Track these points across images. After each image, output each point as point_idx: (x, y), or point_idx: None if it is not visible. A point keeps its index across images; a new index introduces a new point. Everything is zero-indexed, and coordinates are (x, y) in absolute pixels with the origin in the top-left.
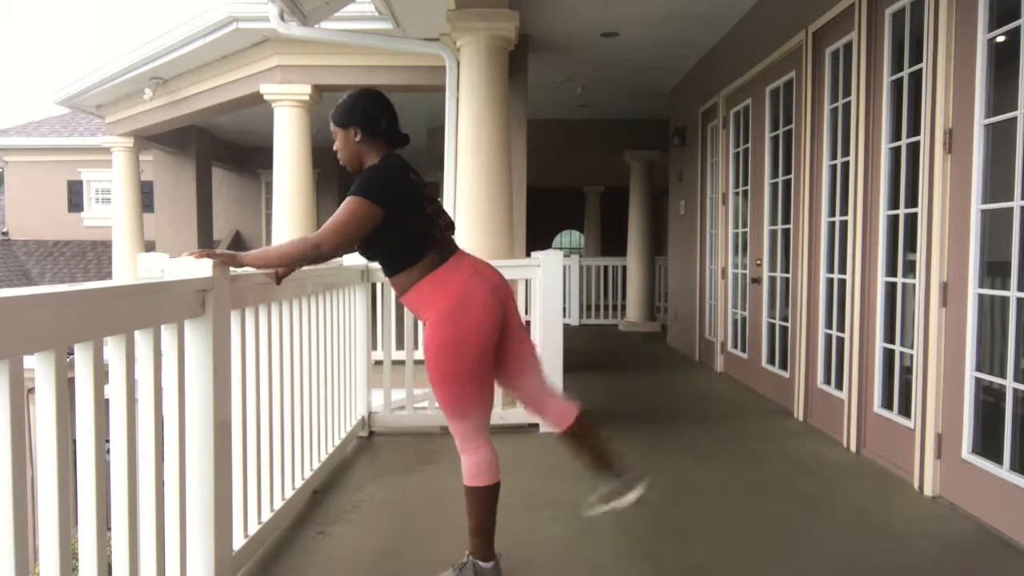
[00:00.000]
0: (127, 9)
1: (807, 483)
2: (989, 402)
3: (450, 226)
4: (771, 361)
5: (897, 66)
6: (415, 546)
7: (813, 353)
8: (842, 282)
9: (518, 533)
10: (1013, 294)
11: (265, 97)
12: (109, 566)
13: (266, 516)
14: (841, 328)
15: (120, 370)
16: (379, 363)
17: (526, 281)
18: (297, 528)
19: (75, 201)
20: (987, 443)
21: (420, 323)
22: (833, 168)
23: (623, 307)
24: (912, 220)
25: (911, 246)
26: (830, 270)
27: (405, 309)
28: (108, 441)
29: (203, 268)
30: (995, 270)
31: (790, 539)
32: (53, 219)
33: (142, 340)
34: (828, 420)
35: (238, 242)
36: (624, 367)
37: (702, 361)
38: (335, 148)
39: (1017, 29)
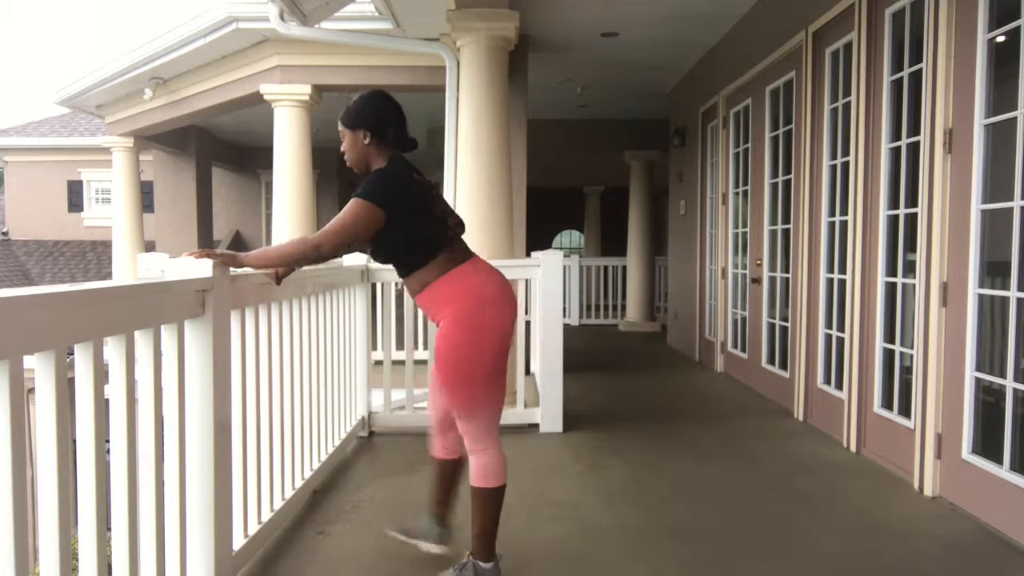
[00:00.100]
0: (127, 9)
1: (807, 483)
2: (989, 402)
3: (460, 225)
4: (771, 361)
5: (897, 66)
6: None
7: (813, 353)
8: (842, 282)
9: (518, 533)
10: (1013, 294)
11: (265, 97)
12: (109, 566)
13: (266, 516)
14: (841, 328)
15: (120, 370)
16: (379, 363)
17: (526, 281)
18: (297, 528)
19: (75, 201)
20: (987, 443)
21: (427, 323)
22: (833, 168)
23: (623, 307)
24: (912, 220)
25: (911, 246)
26: (830, 270)
27: (405, 309)
28: (108, 441)
29: (203, 268)
30: (995, 270)
31: (790, 539)
32: (53, 219)
33: (142, 340)
34: (828, 420)
35: (238, 242)
36: (624, 367)
37: (702, 361)
38: (342, 149)
39: (1017, 29)
